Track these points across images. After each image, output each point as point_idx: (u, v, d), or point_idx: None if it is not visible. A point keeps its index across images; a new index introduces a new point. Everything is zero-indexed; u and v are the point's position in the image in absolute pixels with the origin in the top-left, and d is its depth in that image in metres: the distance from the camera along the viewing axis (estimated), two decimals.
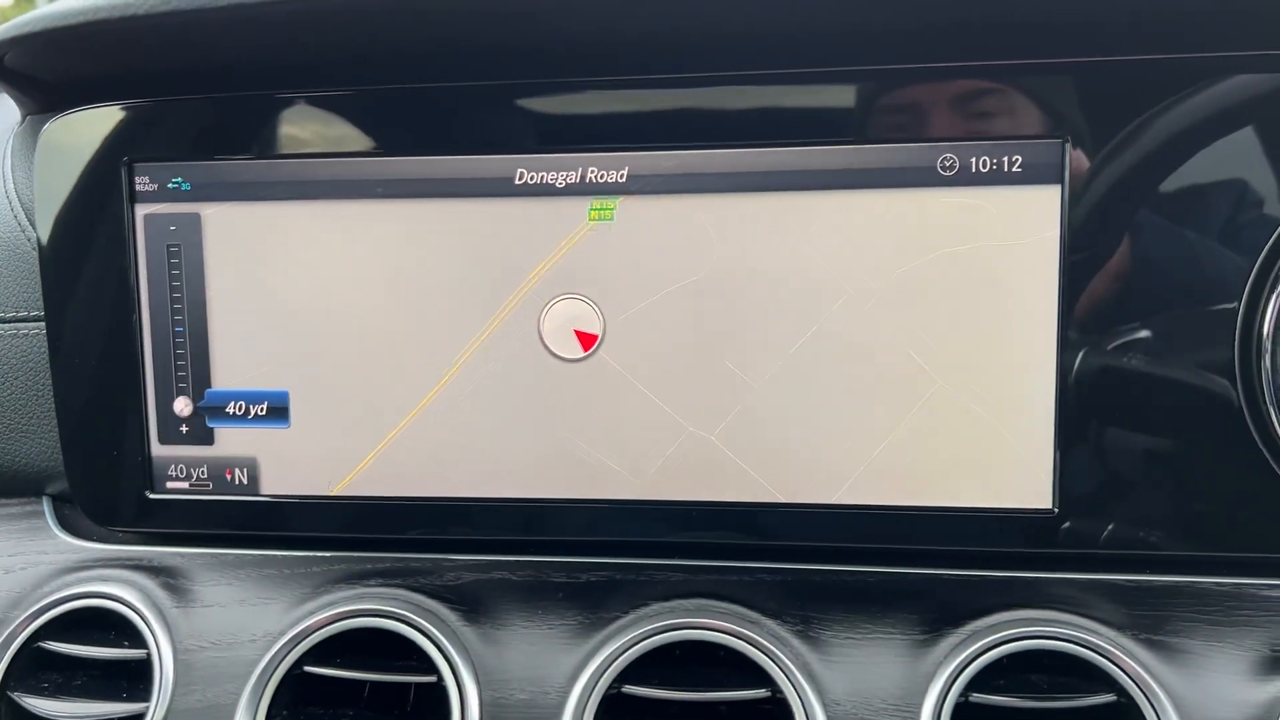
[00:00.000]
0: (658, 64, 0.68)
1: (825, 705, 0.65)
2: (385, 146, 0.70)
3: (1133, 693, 0.63)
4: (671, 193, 0.69)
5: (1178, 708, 0.63)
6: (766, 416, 0.69)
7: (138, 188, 0.74)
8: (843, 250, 0.68)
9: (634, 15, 0.65)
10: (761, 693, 0.65)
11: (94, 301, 0.75)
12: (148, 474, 0.76)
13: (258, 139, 0.72)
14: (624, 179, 0.69)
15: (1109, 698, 0.63)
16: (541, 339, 0.71)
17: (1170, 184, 0.64)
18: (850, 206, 0.67)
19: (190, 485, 0.76)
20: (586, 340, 0.71)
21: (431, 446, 0.73)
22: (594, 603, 0.70)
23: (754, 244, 0.68)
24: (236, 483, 0.75)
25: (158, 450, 0.76)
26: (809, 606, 0.69)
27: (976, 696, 0.64)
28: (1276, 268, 0.64)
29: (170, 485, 0.76)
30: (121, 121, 0.73)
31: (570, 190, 0.70)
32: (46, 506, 0.82)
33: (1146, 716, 0.62)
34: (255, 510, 0.75)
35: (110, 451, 0.76)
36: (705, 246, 0.69)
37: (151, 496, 0.76)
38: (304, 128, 0.71)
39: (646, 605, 0.69)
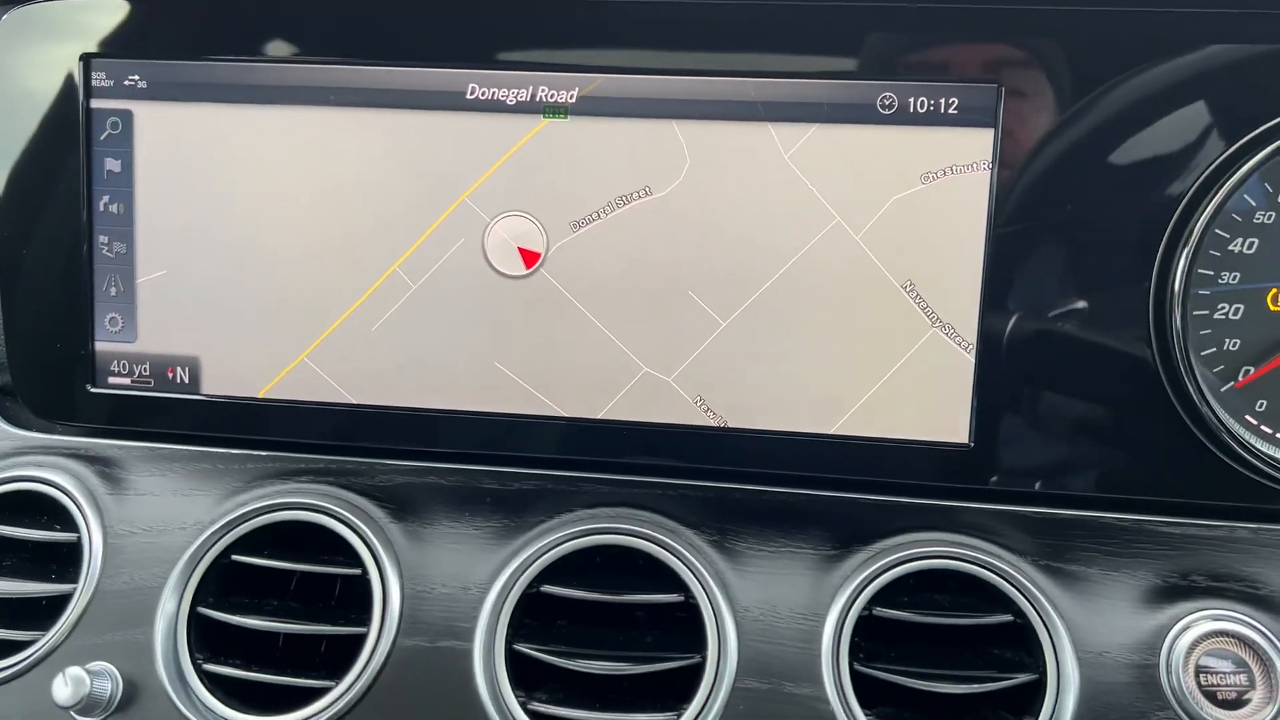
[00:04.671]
0: None
1: (735, 611, 0.67)
2: (341, 53, 0.71)
3: (1029, 614, 0.66)
4: (619, 116, 0.70)
5: (1070, 631, 0.66)
6: (716, 348, 0.71)
7: (94, 83, 0.75)
8: (780, 184, 0.69)
9: None
10: (675, 597, 0.67)
11: (42, 195, 0.75)
12: (90, 369, 0.77)
13: (215, 40, 0.73)
14: (574, 99, 0.71)
15: (1005, 618, 0.66)
16: (485, 254, 0.73)
17: (1098, 138, 0.66)
18: (791, 140, 0.69)
19: (132, 382, 0.77)
20: (529, 258, 0.72)
21: (372, 354, 0.74)
22: (520, 509, 0.72)
23: (694, 172, 0.70)
24: (178, 380, 0.77)
25: (101, 345, 0.77)
26: (727, 520, 0.71)
27: (880, 610, 0.66)
28: (1189, 225, 0.66)
29: (112, 381, 0.77)
30: (80, 16, 0.74)
31: (521, 108, 0.71)
32: None
33: (1040, 638, 0.65)
34: (194, 409, 0.76)
35: (53, 344, 0.77)
36: (646, 172, 0.70)
37: (93, 391, 0.77)
38: (262, 30, 0.72)
39: (571, 512, 0.71)
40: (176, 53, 0.73)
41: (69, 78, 0.74)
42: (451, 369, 0.74)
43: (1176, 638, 0.65)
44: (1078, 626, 0.66)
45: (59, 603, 0.71)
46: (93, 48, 0.74)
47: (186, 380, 0.76)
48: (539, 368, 0.73)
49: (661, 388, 0.72)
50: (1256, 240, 0.66)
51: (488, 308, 0.73)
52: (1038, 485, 0.69)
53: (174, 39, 0.73)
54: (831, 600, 0.67)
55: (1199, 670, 0.64)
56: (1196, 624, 0.65)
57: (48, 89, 0.74)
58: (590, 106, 0.71)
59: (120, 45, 0.74)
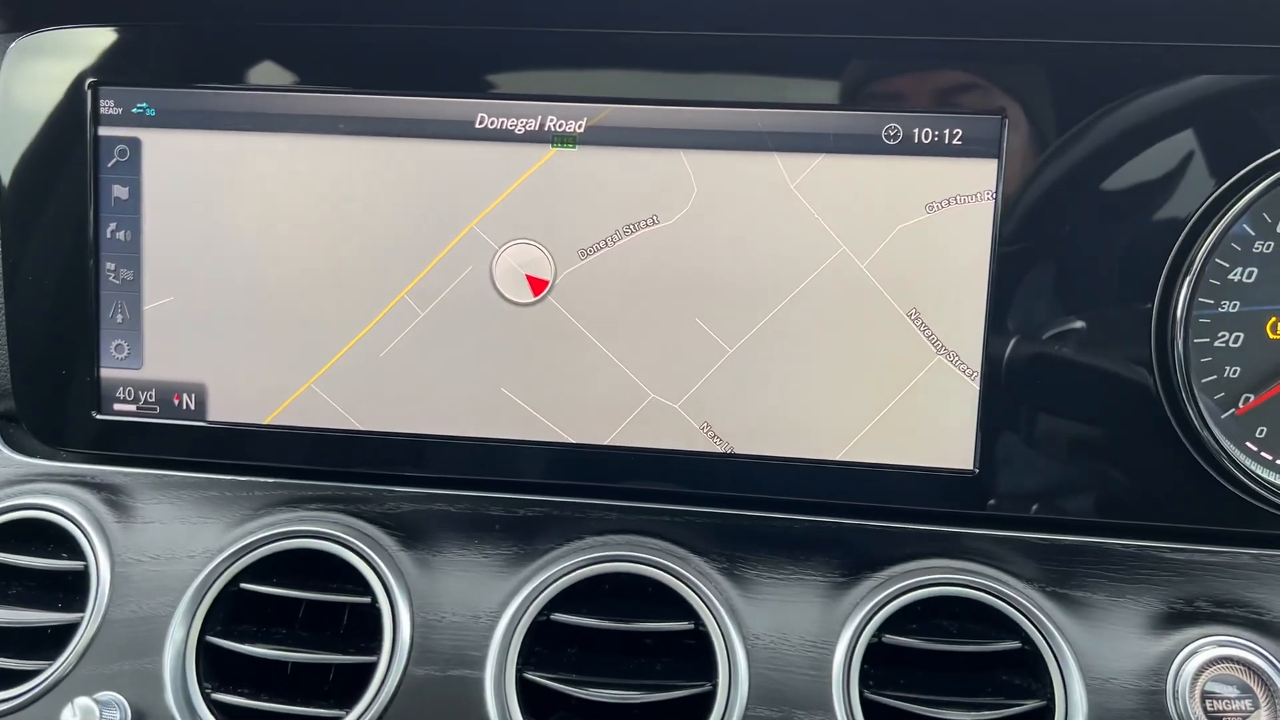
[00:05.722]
0: (625, 19, 0.70)
1: (745, 639, 0.67)
2: (351, 83, 0.72)
3: (1036, 641, 0.66)
4: (627, 145, 0.71)
5: (1078, 656, 0.66)
6: (722, 375, 0.72)
7: (102, 111, 0.75)
8: (786, 213, 0.70)
9: None
10: (685, 625, 0.67)
11: (51, 221, 0.75)
12: (95, 395, 0.77)
13: (225, 69, 0.73)
14: (582, 129, 0.71)
15: (1014, 644, 0.66)
16: (493, 281, 0.73)
17: (1100, 169, 0.67)
18: (797, 170, 0.70)
19: (137, 408, 0.77)
20: (537, 285, 0.73)
21: (379, 380, 0.74)
22: (529, 536, 0.72)
23: (701, 201, 0.71)
24: (184, 407, 0.76)
25: (106, 372, 0.77)
26: (736, 547, 0.71)
27: (889, 637, 0.66)
28: (1191, 254, 0.67)
29: (117, 407, 0.77)
30: (88, 43, 0.74)
31: (529, 137, 0.72)
32: None
33: (1048, 664, 0.66)
34: (200, 435, 0.76)
35: (59, 371, 0.76)
36: (654, 201, 0.71)
37: (98, 417, 0.77)
38: (272, 59, 0.73)
39: (580, 539, 0.72)
40: (185, 80, 0.73)
41: (77, 105, 0.74)
42: (459, 395, 0.74)
43: (1183, 663, 0.66)
44: (1085, 652, 0.66)
45: (66, 632, 0.71)
46: (101, 75, 0.74)
47: (192, 407, 0.76)
48: (546, 394, 0.73)
49: (668, 414, 0.72)
50: (1256, 269, 0.67)
51: (495, 335, 0.73)
52: (1042, 511, 0.70)
53: (183, 67, 0.73)
54: (841, 627, 0.67)
55: (1205, 696, 0.65)
56: (1202, 650, 0.66)
57: (56, 115, 0.75)
58: (599, 136, 0.71)
59: (129, 73, 0.74)
